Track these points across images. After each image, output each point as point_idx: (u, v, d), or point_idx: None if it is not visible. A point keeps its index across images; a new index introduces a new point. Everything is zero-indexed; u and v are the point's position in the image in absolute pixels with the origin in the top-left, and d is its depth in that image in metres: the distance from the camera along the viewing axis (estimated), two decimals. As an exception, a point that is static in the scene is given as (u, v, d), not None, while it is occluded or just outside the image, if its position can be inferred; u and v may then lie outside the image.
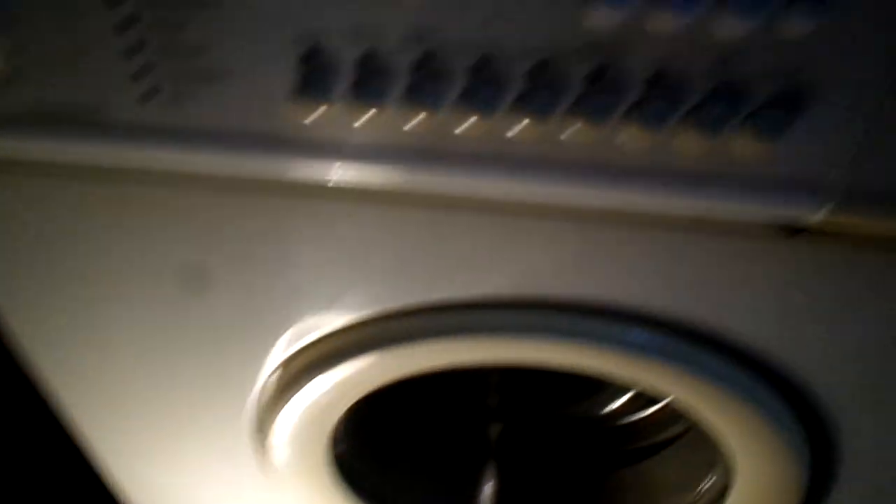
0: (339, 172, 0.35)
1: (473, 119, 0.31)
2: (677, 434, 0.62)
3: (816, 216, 0.33)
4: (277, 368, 0.49)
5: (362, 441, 0.60)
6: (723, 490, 0.52)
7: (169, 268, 0.44)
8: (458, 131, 0.32)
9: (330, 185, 0.36)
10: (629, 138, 0.31)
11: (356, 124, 0.33)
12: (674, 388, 0.43)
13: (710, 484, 0.55)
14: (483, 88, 0.31)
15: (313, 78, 0.31)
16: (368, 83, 0.31)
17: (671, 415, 0.62)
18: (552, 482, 0.66)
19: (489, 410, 0.69)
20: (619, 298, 0.40)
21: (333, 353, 0.47)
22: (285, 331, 0.46)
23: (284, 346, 0.47)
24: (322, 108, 0.32)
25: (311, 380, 0.47)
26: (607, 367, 0.43)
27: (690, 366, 0.42)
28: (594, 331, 0.42)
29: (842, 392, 0.42)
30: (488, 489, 0.66)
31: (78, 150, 0.37)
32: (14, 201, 0.42)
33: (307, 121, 0.33)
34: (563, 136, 0.32)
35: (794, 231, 0.35)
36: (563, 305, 0.42)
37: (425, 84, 0.31)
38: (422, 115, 0.32)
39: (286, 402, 0.49)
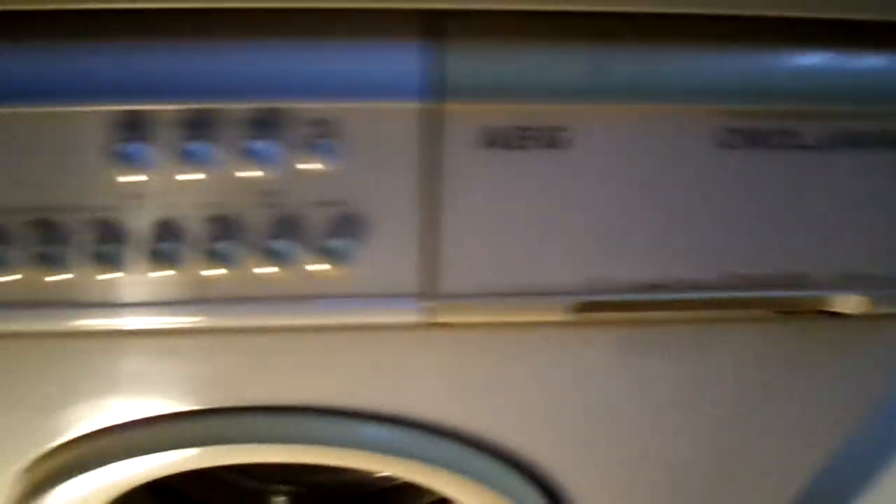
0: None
1: (56, 276, 0.30)
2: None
3: (424, 316, 0.34)
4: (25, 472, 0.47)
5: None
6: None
7: None
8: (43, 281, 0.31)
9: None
10: (215, 273, 0.31)
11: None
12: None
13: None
14: (47, 247, 0.30)
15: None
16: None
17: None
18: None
19: (273, 479, 0.69)
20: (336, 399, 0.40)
21: (78, 462, 0.45)
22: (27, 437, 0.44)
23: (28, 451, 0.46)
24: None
25: (56, 486, 0.46)
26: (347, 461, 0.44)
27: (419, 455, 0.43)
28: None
29: (551, 456, 0.44)
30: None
31: None
32: None
33: None
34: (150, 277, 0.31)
35: (430, 324, 0.35)
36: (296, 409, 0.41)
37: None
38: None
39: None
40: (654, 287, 0.32)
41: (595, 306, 0.33)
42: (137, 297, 0.32)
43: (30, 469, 0.48)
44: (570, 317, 0.33)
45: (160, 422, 0.44)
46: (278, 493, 0.67)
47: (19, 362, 0.37)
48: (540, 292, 0.32)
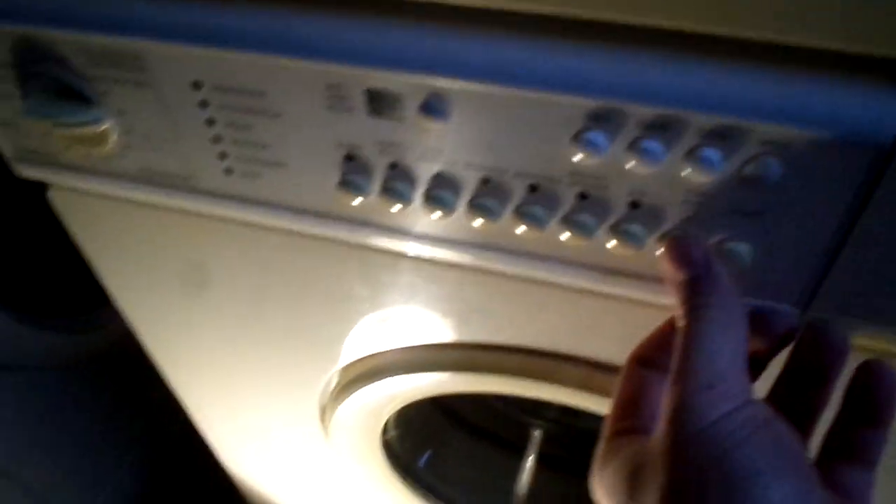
0: (376, 239, 0.42)
1: (481, 220, 0.37)
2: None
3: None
4: (335, 372, 0.58)
5: (412, 429, 0.68)
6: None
7: (248, 285, 0.53)
8: (471, 226, 0.38)
9: (369, 245, 0.43)
10: (614, 248, 0.36)
11: (388, 211, 0.39)
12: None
13: None
14: (489, 198, 0.36)
15: (352, 176, 0.38)
16: (394, 185, 0.37)
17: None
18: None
19: (541, 414, 0.75)
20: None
21: (382, 369, 0.54)
22: (339, 345, 0.54)
23: (340, 357, 0.56)
24: (359, 199, 0.39)
25: (360, 388, 0.55)
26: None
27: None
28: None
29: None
30: (522, 488, 0.73)
31: (175, 201, 0.45)
32: (134, 226, 0.52)
33: (349, 202, 0.39)
34: (560, 239, 0.37)
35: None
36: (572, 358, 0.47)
37: (440, 191, 0.36)
38: (438, 214, 0.37)
39: (342, 400, 0.58)
40: None
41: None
42: (548, 251, 0.38)
43: (343, 370, 0.57)
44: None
45: (442, 347, 0.51)
46: (536, 426, 0.74)
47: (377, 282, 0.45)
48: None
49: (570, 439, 0.75)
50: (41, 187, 0.51)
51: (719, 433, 0.27)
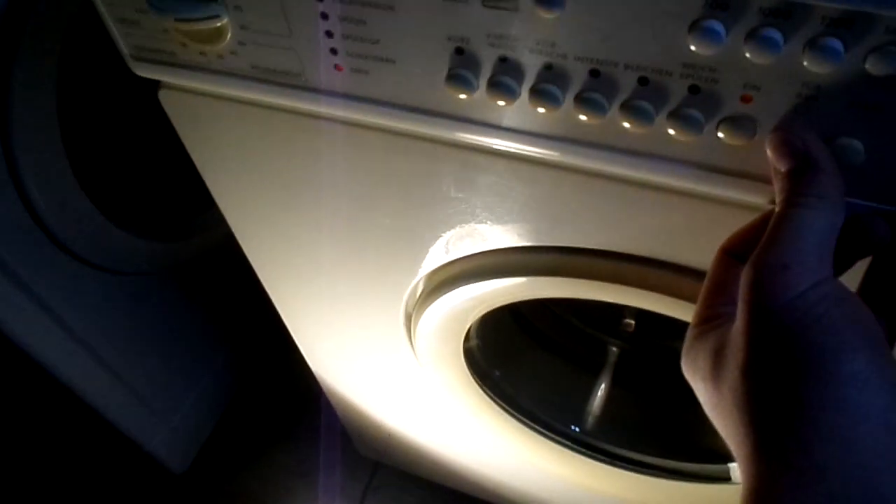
0: (479, 137, 0.43)
1: (585, 116, 0.37)
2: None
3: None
4: (423, 278, 0.60)
5: (492, 339, 0.70)
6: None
7: (347, 187, 0.55)
8: (575, 122, 0.39)
9: (472, 143, 0.44)
10: (722, 142, 0.36)
11: (494, 106, 0.40)
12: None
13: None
14: (597, 92, 0.36)
15: (460, 70, 0.39)
16: (502, 79, 0.38)
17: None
18: (659, 405, 0.73)
19: (617, 333, 0.77)
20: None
21: (469, 273, 0.56)
22: (431, 249, 0.56)
23: (430, 261, 0.58)
24: (466, 94, 0.40)
25: (446, 292, 0.57)
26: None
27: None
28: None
29: None
30: (596, 403, 0.75)
31: (284, 99, 0.47)
32: (241, 125, 0.54)
33: (455, 99, 0.40)
34: (665, 134, 0.37)
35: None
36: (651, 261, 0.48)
37: (547, 85, 0.37)
38: (542, 109, 0.38)
39: (427, 305, 0.60)
40: None
41: None
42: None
43: (430, 275, 0.59)
44: None
45: (531, 251, 0.52)
46: (613, 344, 0.76)
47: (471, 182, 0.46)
48: None
49: (646, 360, 0.76)
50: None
51: (794, 311, 0.28)
